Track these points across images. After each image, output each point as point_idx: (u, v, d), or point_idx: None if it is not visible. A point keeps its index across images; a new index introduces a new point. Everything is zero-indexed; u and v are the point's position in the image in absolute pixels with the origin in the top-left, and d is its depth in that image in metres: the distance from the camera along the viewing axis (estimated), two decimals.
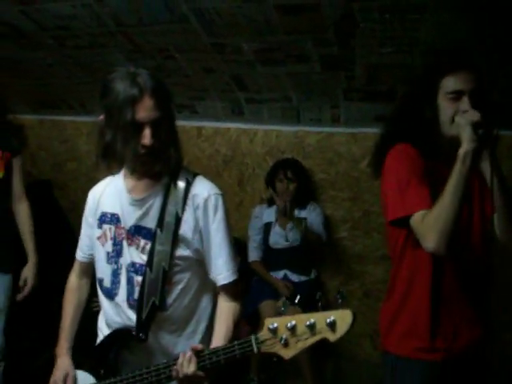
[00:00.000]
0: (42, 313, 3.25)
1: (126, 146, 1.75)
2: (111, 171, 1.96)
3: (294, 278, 3.86)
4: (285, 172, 3.81)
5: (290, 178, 3.80)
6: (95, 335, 2.08)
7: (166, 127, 1.78)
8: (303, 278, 3.88)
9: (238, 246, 3.76)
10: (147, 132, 1.72)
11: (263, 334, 1.57)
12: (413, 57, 2.91)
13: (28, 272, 3.12)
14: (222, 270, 1.89)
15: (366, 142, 3.78)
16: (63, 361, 2.06)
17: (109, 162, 1.87)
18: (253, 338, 1.59)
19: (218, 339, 1.81)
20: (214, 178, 4.04)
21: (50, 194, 4.37)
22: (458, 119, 1.78)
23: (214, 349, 1.71)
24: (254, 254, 3.92)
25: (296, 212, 3.81)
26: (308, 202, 3.90)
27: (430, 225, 1.71)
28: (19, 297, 3.08)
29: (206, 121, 4.01)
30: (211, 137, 4.06)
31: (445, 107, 1.86)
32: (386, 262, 3.63)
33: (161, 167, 1.83)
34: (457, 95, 1.83)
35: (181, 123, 4.17)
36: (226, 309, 1.90)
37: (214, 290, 1.98)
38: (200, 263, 1.92)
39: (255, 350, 1.58)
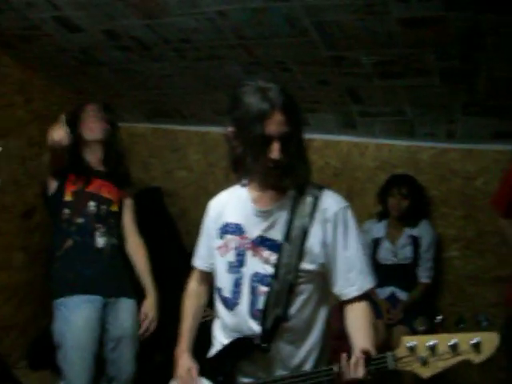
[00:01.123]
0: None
1: (254, 160, 1.78)
2: (241, 183, 1.99)
3: (402, 295, 3.77)
4: (399, 188, 3.74)
5: (404, 195, 3.73)
6: (206, 343, 2.12)
7: (295, 142, 1.80)
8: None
9: None
10: (276, 146, 1.74)
11: (400, 351, 1.54)
12: None
13: (148, 308, 3.15)
14: (354, 282, 1.88)
15: (483, 159, 3.66)
16: (185, 358, 2.10)
17: (238, 174, 1.90)
18: (389, 354, 1.56)
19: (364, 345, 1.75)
20: None
21: (160, 201, 4.51)
22: None
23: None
24: None
25: (408, 230, 3.74)
26: (420, 219, 3.81)
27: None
28: (140, 331, 3.11)
29: (317, 133, 4.00)
30: (321, 149, 4.05)
31: None
32: (500, 285, 3.49)
33: (288, 181, 1.85)
34: None
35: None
36: (364, 318, 1.87)
37: (330, 304, 1.97)
38: (322, 276, 1.91)
39: (390, 366, 1.55)
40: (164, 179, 4.69)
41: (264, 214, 1.92)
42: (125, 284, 3.17)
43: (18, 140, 4.07)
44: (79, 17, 3.17)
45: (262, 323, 1.88)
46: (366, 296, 1.90)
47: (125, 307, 3.09)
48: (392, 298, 3.77)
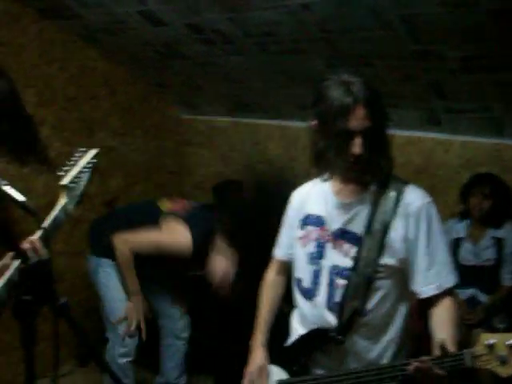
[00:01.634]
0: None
1: (336, 154, 1.78)
2: (322, 177, 1.99)
3: (483, 298, 3.65)
4: (481, 188, 3.62)
5: (486, 195, 3.61)
6: (284, 334, 2.13)
7: (377, 137, 1.78)
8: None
9: None
10: (358, 141, 1.73)
11: (478, 349, 1.50)
12: None
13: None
14: (434, 280, 1.84)
15: None
16: (258, 354, 2.13)
17: (320, 169, 1.90)
18: (466, 351, 1.52)
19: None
20: None
21: (240, 194, 4.56)
22: None
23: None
24: None
25: (491, 231, 3.62)
26: (505, 221, 3.67)
27: None
28: None
29: (399, 129, 3.93)
30: (403, 146, 3.97)
31: None
32: None
33: (370, 176, 1.84)
34: None
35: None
36: (446, 316, 1.83)
37: (410, 301, 1.93)
38: (402, 272, 1.88)
39: (468, 364, 1.51)
40: (245, 173, 4.73)
41: (345, 207, 1.92)
42: None
43: (101, 131, 4.24)
44: (164, 11, 3.26)
45: (339, 316, 1.88)
46: (449, 293, 1.85)
47: None
48: (472, 299, 3.65)
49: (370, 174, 1.84)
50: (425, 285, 1.84)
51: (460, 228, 3.75)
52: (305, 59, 3.44)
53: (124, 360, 3.18)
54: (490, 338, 1.48)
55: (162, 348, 3.52)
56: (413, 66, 3.16)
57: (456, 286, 3.56)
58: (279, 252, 2.23)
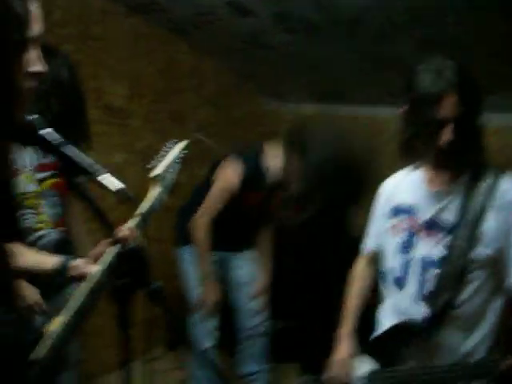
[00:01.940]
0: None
1: (426, 142, 1.73)
2: (412, 165, 1.94)
3: None
4: None
5: None
6: (371, 325, 2.10)
7: (469, 124, 1.71)
8: None
9: None
10: (448, 129, 1.67)
11: None
12: None
13: None
14: None
15: None
16: (344, 344, 2.11)
17: (409, 156, 1.86)
18: None
19: None
20: None
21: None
22: None
23: None
24: None
25: None
26: None
27: None
28: None
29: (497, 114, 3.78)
30: (500, 132, 3.81)
31: None
32: None
33: (461, 164, 1.79)
34: None
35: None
36: None
37: (505, 295, 1.85)
38: (497, 264, 1.80)
39: None
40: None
41: (437, 196, 1.86)
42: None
43: (190, 123, 4.32)
44: (251, 1, 3.27)
45: (430, 307, 1.83)
46: None
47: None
48: None
49: (461, 162, 1.78)
50: None
51: None
52: (394, 44, 3.36)
53: (207, 345, 3.25)
54: None
55: (240, 340, 3.52)
56: (508, 48, 3.02)
57: None
58: (369, 242, 2.20)
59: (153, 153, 1.96)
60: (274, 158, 3.08)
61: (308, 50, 3.79)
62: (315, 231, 3.77)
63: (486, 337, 1.86)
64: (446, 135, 1.68)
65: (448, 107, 1.66)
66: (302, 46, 3.74)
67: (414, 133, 1.75)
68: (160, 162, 1.89)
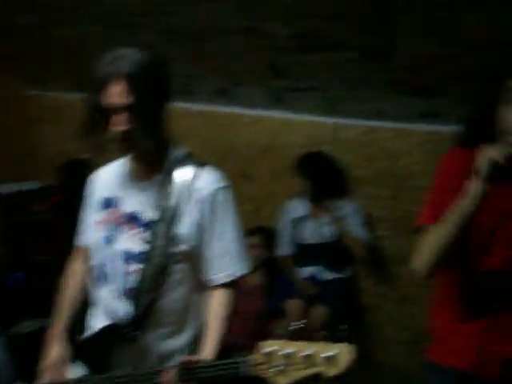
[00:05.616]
0: None
1: (99, 131, 1.68)
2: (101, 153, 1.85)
3: (327, 275, 3.72)
4: (305, 167, 3.66)
5: (309, 174, 3.64)
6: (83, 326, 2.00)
7: (144, 112, 1.67)
8: (336, 276, 3.74)
9: (270, 240, 3.72)
10: (116, 118, 1.64)
11: (256, 357, 1.43)
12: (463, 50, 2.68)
13: None
14: (226, 268, 1.80)
15: (410, 139, 3.58)
16: (56, 345, 1.97)
17: (93, 145, 1.78)
18: (242, 359, 1.46)
19: (210, 346, 1.72)
20: (250, 167, 4.05)
21: None
22: (483, 149, 1.57)
23: (201, 363, 1.60)
24: (283, 249, 3.79)
25: (331, 208, 3.65)
26: (339, 198, 3.71)
27: (421, 244, 1.69)
28: None
29: (245, 108, 3.88)
30: (250, 125, 3.92)
31: (504, 117, 1.63)
32: None
33: (140, 154, 1.75)
34: None
35: (219, 109, 4.10)
36: (222, 308, 1.79)
37: (206, 287, 1.87)
38: (196, 258, 1.82)
39: (242, 372, 1.46)
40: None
41: (139, 189, 1.82)
42: None
43: None
44: None
45: (134, 306, 1.78)
46: (233, 284, 1.81)
47: None
48: (314, 277, 3.71)
49: (139, 151, 1.74)
50: (217, 272, 1.80)
51: (301, 207, 3.76)
52: (137, 34, 3.25)
53: None
54: (269, 346, 1.41)
55: None
56: (245, 42, 3.07)
57: (297, 264, 3.70)
58: (81, 237, 2.09)
59: None
60: None
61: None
62: None
63: (192, 336, 1.86)
64: (116, 123, 1.64)
65: (112, 96, 1.62)
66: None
67: (89, 120, 1.69)
68: None
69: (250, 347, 1.48)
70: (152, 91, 1.69)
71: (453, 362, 1.76)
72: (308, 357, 1.35)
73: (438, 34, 2.60)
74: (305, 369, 1.35)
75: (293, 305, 3.55)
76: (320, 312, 3.49)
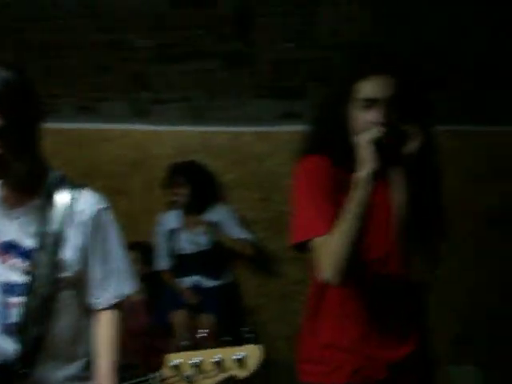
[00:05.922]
0: None
1: None
2: None
3: (208, 283, 3.73)
4: (176, 177, 3.66)
5: (181, 183, 3.65)
6: None
7: (14, 136, 1.57)
8: (217, 283, 3.76)
9: (148, 254, 3.66)
10: None
11: (165, 371, 1.42)
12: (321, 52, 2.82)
13: None
14: (112, 289, 1.75)
15: (273, 141, 3.71)
16: None
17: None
18: (152, 376, 1.44)
19: (107, 372, 1.67)
20: (120, 182, 3.95)
21: None
22: (357, 138, 1.57)
23: None
24: (161, 263, 3.75)
25: (205, 217, 3.69)
26: (212, 204, 3.75)
27: (325, 253, 1.58)
28: None
29: (110, 123, 3.79)
30: (116, 139, 3.83)
31: (356, 116, 1.65)
32: (300, 263, 3.55)
33: (13, 179, 1.65)
34: (370, 103, 1.62)
35: (83, 126, 3.93)
36: (113, 331, 1.75)
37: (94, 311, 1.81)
38: (82, 282, 1.74)
39: None
40: None
41: (12, 217, 1.70)
42: None
43: None
44: None
45: (20, 342, 1.66)
46: (120, 305, 1.77)
47: None
48: (196, 286, 3.70)
49: (12, 176, 1.63)
50: (104, 295, 1.75)
51: (174, 218, 3.74)
52: None
53: None
54: (175, 359, 1.40)
55: None
56: (107, 56, 3.00)
57: (177, 275, 3.67)
58: None
59: None
60: None
61: None
62: None
63: (85, 363, 1.78)
64: None
65: None
66: None
67: None
68: None
69: (142, 364, 1.46)
70: (23, 112, 1.60)
71: (336, 380, 1.72)
72: (217, 363, 1.36)
73: (296, 39, 2.72)
74: (216, 375, 1.36)
75: (179, 316, 3.52)
76: (206, 320, 3.50)
